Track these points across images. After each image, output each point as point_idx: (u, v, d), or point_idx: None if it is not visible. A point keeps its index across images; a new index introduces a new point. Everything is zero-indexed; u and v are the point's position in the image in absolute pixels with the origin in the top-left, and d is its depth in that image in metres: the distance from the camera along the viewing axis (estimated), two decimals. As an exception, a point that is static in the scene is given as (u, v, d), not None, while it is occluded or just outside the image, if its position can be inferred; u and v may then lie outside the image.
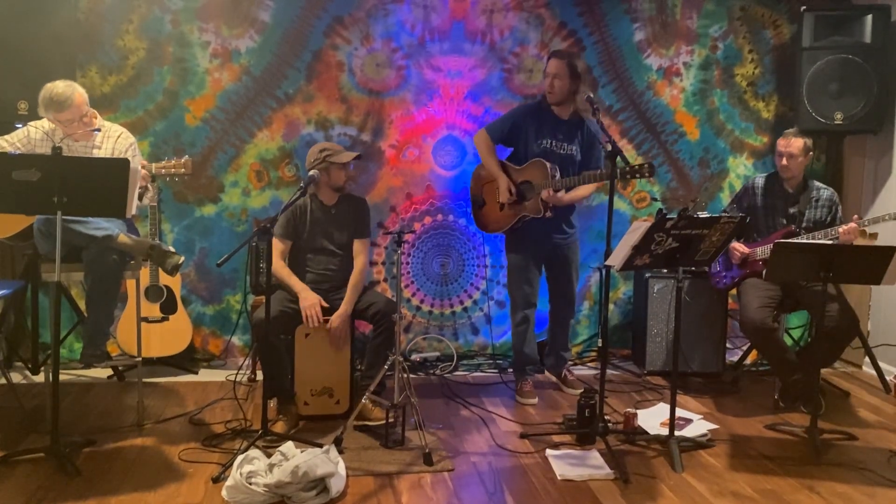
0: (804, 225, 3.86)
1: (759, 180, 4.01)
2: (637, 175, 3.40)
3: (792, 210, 3.89)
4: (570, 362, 4.25)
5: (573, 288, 4.07)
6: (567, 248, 3.97)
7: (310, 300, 3.45)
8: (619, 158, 3.27)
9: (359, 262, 3.66)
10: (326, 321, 3.49)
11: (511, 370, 4.38)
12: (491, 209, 3.97)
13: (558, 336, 4.13)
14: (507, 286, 4.06)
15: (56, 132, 3.32)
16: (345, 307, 3.53)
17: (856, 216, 3.66)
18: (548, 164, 3.73)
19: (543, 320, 4.23)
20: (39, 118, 3.37)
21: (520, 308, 3.96)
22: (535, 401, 3.90)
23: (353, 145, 4.44)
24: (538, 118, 3.83)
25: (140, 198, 3.38)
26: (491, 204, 3.97)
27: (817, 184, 3.94)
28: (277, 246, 3.57)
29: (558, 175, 3.74)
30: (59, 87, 3.20)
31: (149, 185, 3.45)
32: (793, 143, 3.80)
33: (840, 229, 3.61)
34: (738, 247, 3.89)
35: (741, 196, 4.06)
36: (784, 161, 3.83)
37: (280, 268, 3.57)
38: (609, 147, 3.31)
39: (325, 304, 3.49)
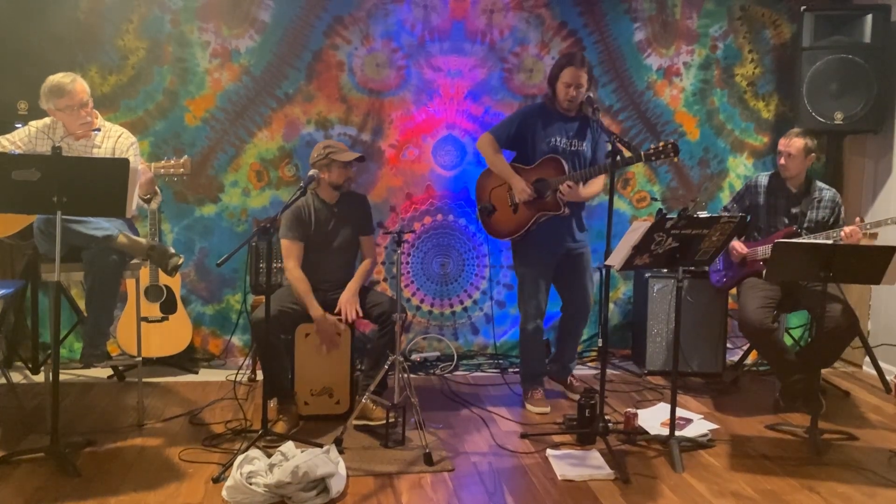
0: (806, 225, 3.85)
1: (763, 179, 3.99)
2: (662, 156, 3.34)
3: (794, 210, 3.89)
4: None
5: (589, 298, 3.89)
6: (580, 254, 3.82)
7: (324, 326, 3.45)
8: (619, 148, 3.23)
9: (370, 255, 3.69)
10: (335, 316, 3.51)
11: (511, 370, 4.40)
12: (503, 214, 3.79)
13: (568, 347, 3.98)
14: (517, 297, 3.88)
15: (57, 129, 3.32)
16: (352, 284, 3.53)
17: (858, 219, 3.66)
18: (561, 159, 3.63)
19: (548, 319, 4.18)
20: (39, 118, 3.37)
21: (532, 318, 3.80)
22: (548, 410, 3.75)
23: (353, 145, 4.44)
24: (544, 117, 3.71)
25: (148, 201, 3.38)
26: (502, 209, 3.78)
27: (820, 184, 3.92)
28: (291, 250, 3.51)
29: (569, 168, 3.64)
30: (60, 75, 3.24)
31: (157, 190, 3.44)
32: (792, 144, 3.80)
33: (843, 231, 3.61)
34: (738, 245, 3.88)
35: (743, 194, 4.05)
36: (782, 160, 3.84)
37: (299, 280, 3.48)
38: (611, 146, 3.27)
39: (342, 329, 3.49)
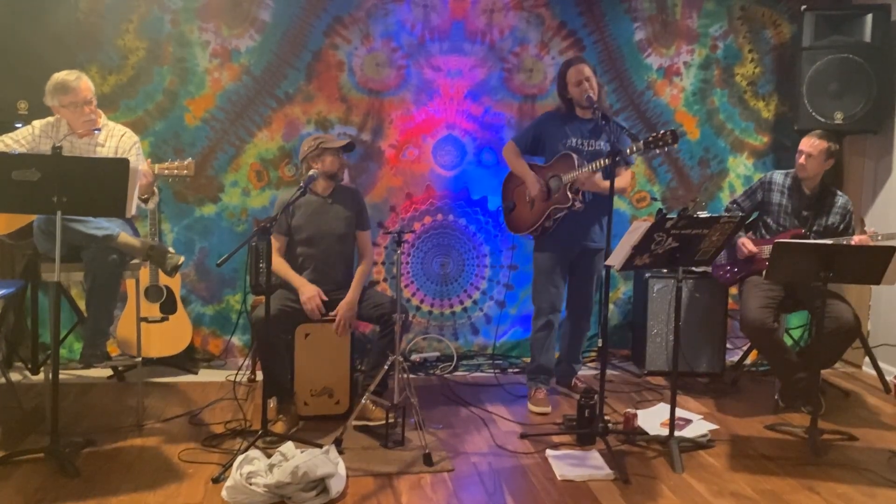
0: (815, 229, 3.84)
1: (778, 176, 3.98)
2: (660, 144, 3.34)
3: (806, 213, 3.87)
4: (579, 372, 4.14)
5: (592, 299, 3.97)
6: (595, 255, 3.85)
7: (308, 293, 3.46)
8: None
9: (367, 253, 3.71)
10: (330, 317, 3.50)
11: (510, 371, 4.40)
12: (521, 210, 3.91)
13: (572, 347, 4.04)
14: (532, 289, 3.92)
15: (60, 127, 3.32)
16: (352, 294, 3.54)
17: (871, 229, 3.65)
18: (574, 155, 3.69)
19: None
20: (39, 118, 3.37)
21: (544, 313, 3.84)
22: (549, 409, 3.76)
23: (353, 145, 4.44)
24: (561, 121, 3.82)
25: (145, 201, 3.39)
26: (521, 205, 3.91)
27: (835, 190, 3.92)
28: (272, 244, 3.56)
29: (585, 164, 3.66)
30: (65, 73, 3.26)
31: (155, 190, 3.45)
32: (816, 144, 3.78)
33: (853, 240, 3.61)
34: (746, 243, 3.88)
35: (756, 189, 4.03)
36: (802, 159, 3.81)
37: (279, 264, 3.58)
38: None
39: (325, 298, 3.49)
